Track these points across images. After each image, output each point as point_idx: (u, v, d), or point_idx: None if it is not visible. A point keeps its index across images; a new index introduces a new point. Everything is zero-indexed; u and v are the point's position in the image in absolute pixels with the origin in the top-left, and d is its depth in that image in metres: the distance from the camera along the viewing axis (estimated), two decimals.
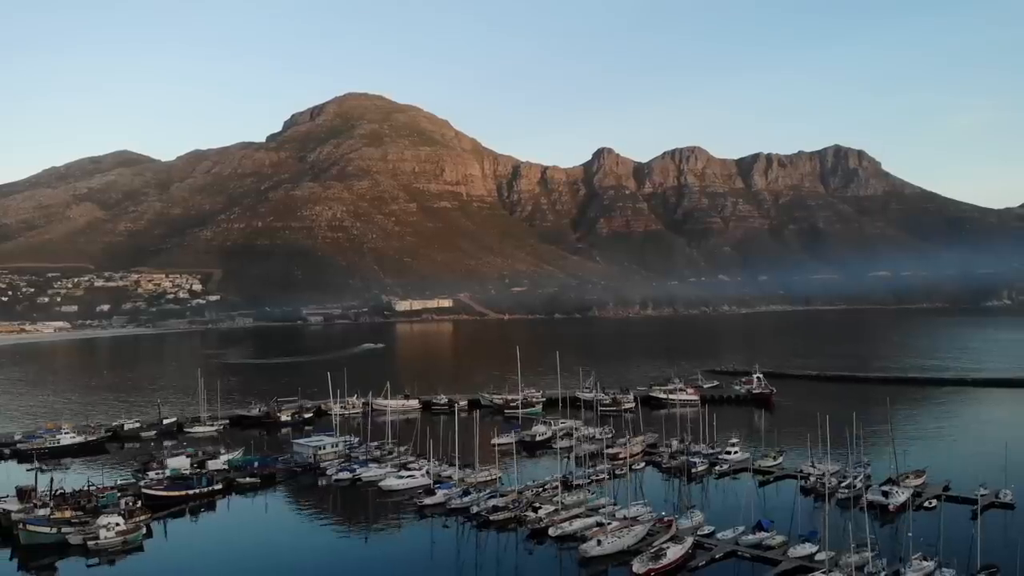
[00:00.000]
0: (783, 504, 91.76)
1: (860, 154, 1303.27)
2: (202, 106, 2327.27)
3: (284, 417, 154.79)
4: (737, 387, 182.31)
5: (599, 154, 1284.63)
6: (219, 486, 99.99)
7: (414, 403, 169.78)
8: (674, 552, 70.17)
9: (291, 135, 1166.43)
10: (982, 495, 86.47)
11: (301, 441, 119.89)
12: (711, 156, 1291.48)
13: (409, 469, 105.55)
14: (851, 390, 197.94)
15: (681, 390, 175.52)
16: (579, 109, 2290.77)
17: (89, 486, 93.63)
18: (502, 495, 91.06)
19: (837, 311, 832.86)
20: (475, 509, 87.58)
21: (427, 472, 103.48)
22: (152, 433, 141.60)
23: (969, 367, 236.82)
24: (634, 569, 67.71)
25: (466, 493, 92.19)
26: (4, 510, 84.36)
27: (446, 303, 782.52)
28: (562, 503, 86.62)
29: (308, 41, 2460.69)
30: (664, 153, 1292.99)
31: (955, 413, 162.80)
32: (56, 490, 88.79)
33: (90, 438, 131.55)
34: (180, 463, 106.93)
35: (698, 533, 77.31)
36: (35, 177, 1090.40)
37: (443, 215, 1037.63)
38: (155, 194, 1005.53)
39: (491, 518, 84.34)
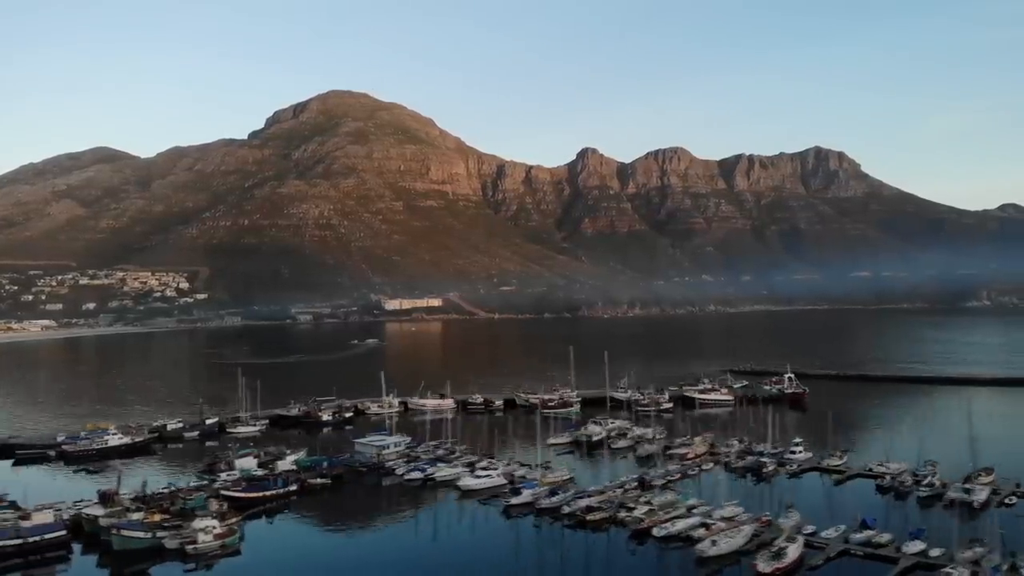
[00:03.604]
0: (864, 503, 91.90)
1: (840, 155, 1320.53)
2: (181, 103, 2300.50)
3: (325, 417, 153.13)
4: (767, 387, 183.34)
5: (583, 154, 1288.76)
6: (294, 487, 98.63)
7: (450, 402, 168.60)
8: (793, 551, 70.34)
9: (274, 132, 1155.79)
10: None
11: (363, 441, 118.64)
12: (694, 157, 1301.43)
13: (483, 469, 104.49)
14: (874, 389, 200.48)
15: (714, 390, 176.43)
16: (563, 109, 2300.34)
17: (167, 488, 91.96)
18: (590, 495, 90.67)
19: (820, 311, 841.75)
20: (567, 509, 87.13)
21: (501, 472, 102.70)
22: (195, 434, 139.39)
23: (980, 366, 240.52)
24: (759, 569, 67.77)
25: (553, 493, 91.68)
26: (88, 515, 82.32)
27: (435, 302, 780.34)
28: (656, 504, 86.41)
29: (289, 39, 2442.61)
30: (647, 153, 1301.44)
31: (990, 411, 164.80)
32: (143, 493, 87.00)
33: (136, 439, 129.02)
34: (248, 464, 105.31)
35: (803, 532, 77.50)
36: (12, 173, 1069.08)
37: (429, 214, 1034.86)
38: (136, 191, 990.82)
39: (587, 518, 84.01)
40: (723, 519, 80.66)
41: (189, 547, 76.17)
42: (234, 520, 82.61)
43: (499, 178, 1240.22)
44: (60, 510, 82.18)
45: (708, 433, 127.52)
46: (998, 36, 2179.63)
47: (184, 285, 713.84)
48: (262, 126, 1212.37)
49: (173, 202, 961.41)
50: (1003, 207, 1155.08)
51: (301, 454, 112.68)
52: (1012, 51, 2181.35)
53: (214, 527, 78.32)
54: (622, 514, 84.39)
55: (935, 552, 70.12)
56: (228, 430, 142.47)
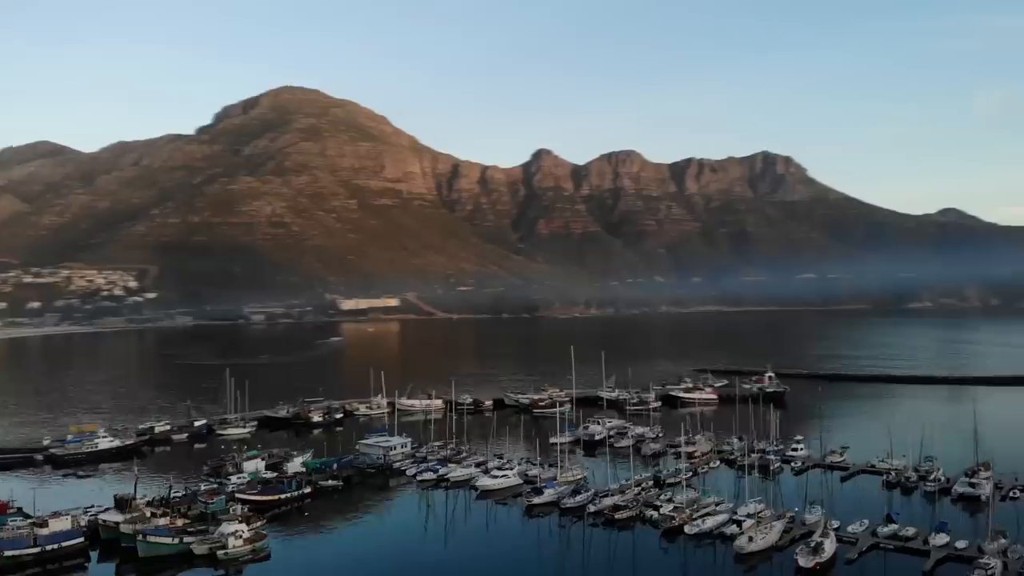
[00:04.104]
0: (873, 497, 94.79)
1: (787, 160, 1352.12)
2: (125, 96, 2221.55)
3: (316, 418, 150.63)
4: (747, 385, 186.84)
5: (538, 155, 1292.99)
6: (308, 489, 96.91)
7: (438, 403, 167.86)
8: (829, 546, 71.96)
9: (224, 128, 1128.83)
10: None
11: (369, 442, 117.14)
12: (645, 160, 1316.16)
13: (499, 469, 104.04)
14: (848, 387, 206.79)
15: (698, 389, 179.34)
16: (517, 109, 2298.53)
17: (174, 492, 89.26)
18: (611, 494, 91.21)
19: (768, 312, 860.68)
20: (592, 508, 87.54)
21: (517, 472, 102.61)
22: (184, 436, 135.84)
23: (931, 367, 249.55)
24: (800, 563, 69.21)
25: (576, 492, 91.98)
26: (106, 521, 79.52)
27: (392, 302, 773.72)
28: (680, 502, 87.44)
29: (238, 32, 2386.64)
30: (601, 156, 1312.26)
31: (969, 408, 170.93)
32: (167, 497, 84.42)
33: (127, 442, 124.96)
34: (256, 466, 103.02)
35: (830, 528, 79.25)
36: None
37: (384, 213, 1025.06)
38: (79, 186, 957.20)
39: (616, 516, 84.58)
40: (749, 516, 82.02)
41: (220, 552, 74.25)
42: (258, 524, 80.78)
43: (454, 178, 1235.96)
44: (76, 516, 79.10)
45: (707, 431, 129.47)
46: (937, 47, 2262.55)
47: (132, 284, 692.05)
48: (210, 121, 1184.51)
49: (119, 198, 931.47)
50: (944, 211, 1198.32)
51: (307, 456, 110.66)
52: (950, 61, 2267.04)
53: (243, 531, 76.50)
54: (649, 512, 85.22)
55: (960, 544, 72.60)
56: (218, 432, 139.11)
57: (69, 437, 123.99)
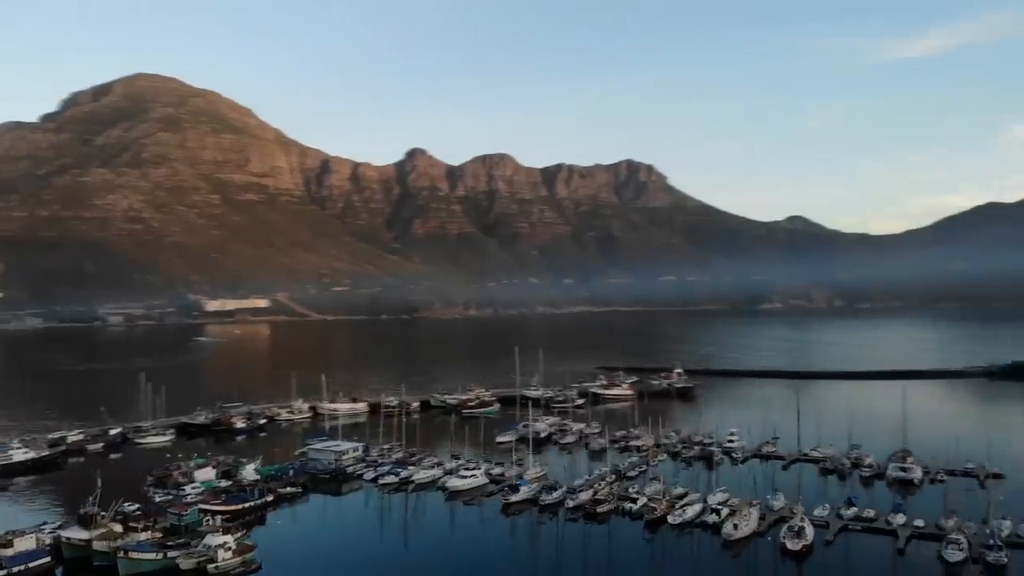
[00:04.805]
0: (816, 483, 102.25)
1: (650, 168, 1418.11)
2: None
3: (238, 424, 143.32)
4: (656, 382, 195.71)
5: (412, 154, 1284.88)
6: (270, 497, 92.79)
7: (362, 406, 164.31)
8: (809, 530, 77.32)
9: (72, 116, 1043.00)
10: (969, 468, 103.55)
11: (319, 447, 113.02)
12: (518, 164, 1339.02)
13: (467, 469, 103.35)
14: (743, 382, 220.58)
15: (616, 385, 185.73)
16: (391, 106, 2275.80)
17: (127, 506, 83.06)
18: (583, 489, 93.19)
19: (635, 312, 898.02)
20: (570, 503, 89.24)
21: (484, 472, 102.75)
22: (99, 446, 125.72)
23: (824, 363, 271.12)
24: (788, 547, 74.00)
25: (552, 488, 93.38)
26: (70, 539, 72.92)
27: (262, 303, 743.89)
28: (650, 493, 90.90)
29: (86, 16, 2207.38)
30: (475, 158, 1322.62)
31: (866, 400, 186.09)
32: (120, 511, 78.28)
33: (42, 453, 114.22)
34: (207, 475, 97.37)
35: (792, 511, 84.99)
36: None
37: (249, 209, 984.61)
38: None
39: (597, 510, 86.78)
40: (723, 504, 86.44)
41: (210, 567, 70.02)
42: (239, 535, 76.71)
43: (324, 174, 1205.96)
44: (40, 535, 72.08)
45: (642, 426, 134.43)
46: (780, 67, 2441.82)
47: None
48: (57, 108, 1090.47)
49: None
50: (791, 219, 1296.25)
51: (257, 463, 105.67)
52: (791, 82, 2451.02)
53: (231, 543, 72.52)
54: (627, 505, 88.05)
55: (919, 523, 80.00)
56: (137, 441, 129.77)
57: None
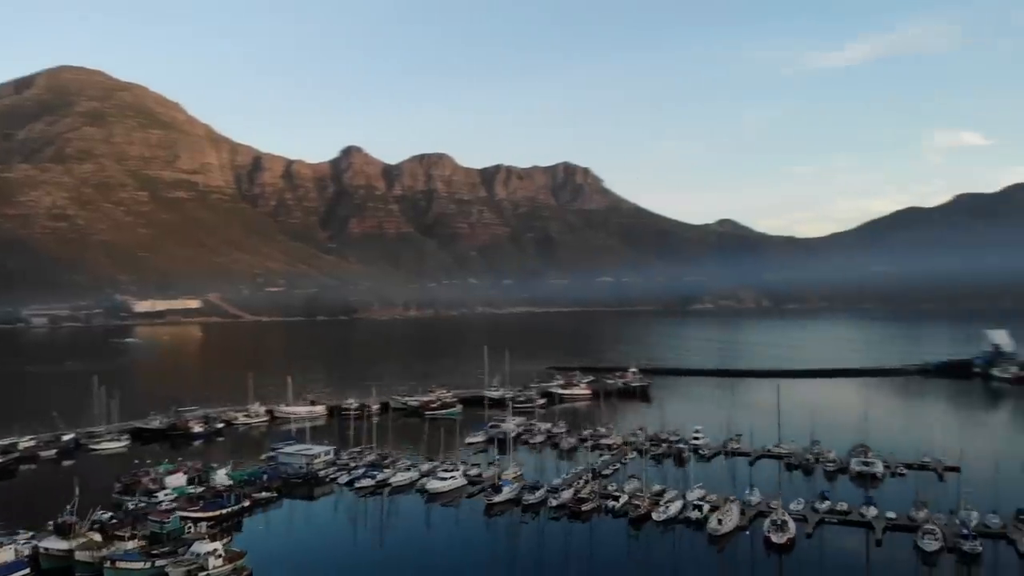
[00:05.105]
0: (784, 478, 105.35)
1: (586, 171, 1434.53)
2: None
3: (196, 428, 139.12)
4: (611, 381, 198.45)
5: (348, 152, 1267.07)
6: (247, 503, 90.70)
7: (320, 409, 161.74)
8: (791, 524, 79.93)
9: None
10: (925, 461, 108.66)
11: (289, 450, 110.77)
12: (457, 164, 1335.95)
13: (445, 471, 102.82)
14: (694, 381, 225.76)
15: (575, 385, 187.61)
16: (326, 103, 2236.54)
17: (100, 513, 79.98)
18: (564, 489, 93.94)
19: (573, 313, 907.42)
20: (553, 502, 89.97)
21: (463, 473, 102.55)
22: (52, 452, 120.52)
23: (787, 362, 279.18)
24: (774, 540, 76.41)
25: (535, 488, 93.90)
26: (48, 550, 69.85)
27: (193, 304, 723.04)
28: (629, 491, 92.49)
29: (5, 3, 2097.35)
30: (413, 157, 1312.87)
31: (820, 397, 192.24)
32: (97, 520, 75.33)
33: None
34: (178, 481, 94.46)
35: (770, 506, 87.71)
36: None
37: (179, 206, 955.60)
38: None
39: (582, 509, 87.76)
40: (703, 500, 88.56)
41: (201, 575, 68.04)
42: (226, 540, 74.83)
43: (256, 171, 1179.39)
44: (19, 546, 68.82)
45: (609, 425, 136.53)
46: (712, 74, 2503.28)
47: None
48: None
49: None
50: (721, 222, 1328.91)
51: (227, 468, 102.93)
52: (722, 89, 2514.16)
53: (220, 550, 70.66)
54: (610, 503, 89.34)
55: (891, 515, 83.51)
56: (91, 447, 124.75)
57: None
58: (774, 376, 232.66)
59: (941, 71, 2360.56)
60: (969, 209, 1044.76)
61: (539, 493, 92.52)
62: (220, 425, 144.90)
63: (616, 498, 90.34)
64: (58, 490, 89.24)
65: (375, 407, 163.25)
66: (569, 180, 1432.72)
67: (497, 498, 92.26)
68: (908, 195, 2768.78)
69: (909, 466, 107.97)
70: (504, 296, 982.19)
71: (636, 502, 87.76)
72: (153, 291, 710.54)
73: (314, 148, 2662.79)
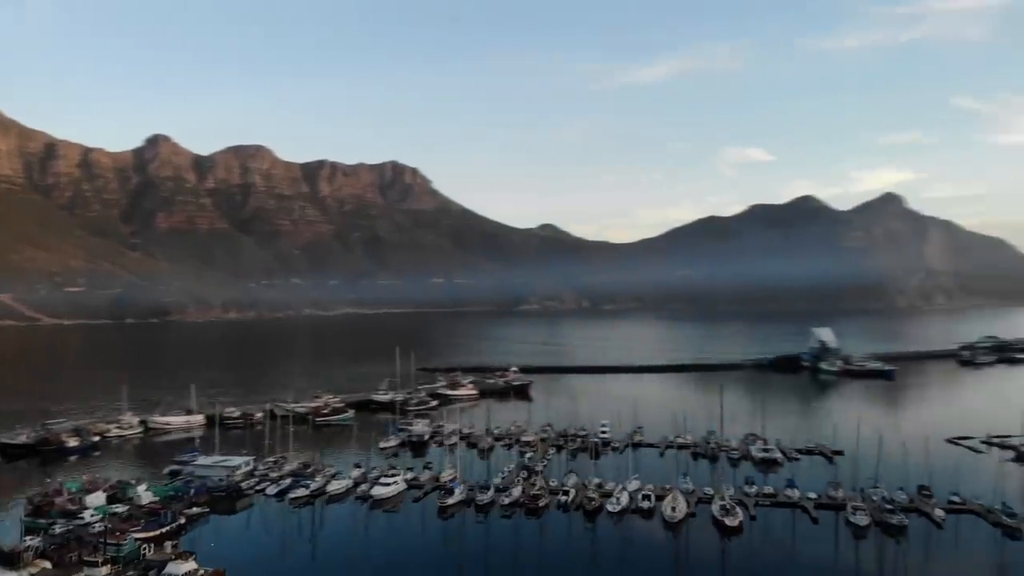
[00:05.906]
0: (696, 465, 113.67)
1: (415, 171, 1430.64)
2: None
3: (70, 443, 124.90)
4: (492, 381, 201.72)
5: (154, 141, 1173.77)
6: (183, 520, 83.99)
7: (199, 418, 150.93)
8: (738, 508, 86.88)
9: None
10: (812, 447, 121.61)
11: (207, 463, 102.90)
12: (276, 158, 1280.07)
13: (387, 477, 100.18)
14: (566, 379, 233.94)
15: (462, 386, 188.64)
16: (129, 87, 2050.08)
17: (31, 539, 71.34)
18: (513, 486, 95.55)
19: (405, 314, 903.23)
20: (505, 501, 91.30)
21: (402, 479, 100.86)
22: None
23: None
24: (727, 523, 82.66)
25: (484, 488, 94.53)
26: None
27: None
28: (572, 485, 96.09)
29: None
30: (228, 148, 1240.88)
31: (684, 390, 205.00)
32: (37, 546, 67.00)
33: None
34: (99, 500, 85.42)
35: (704, 493, 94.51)
36: None
37: None
38: None
39: (539, 505, 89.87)
40: (644, 491, 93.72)
41: None
42: (191, 558, 69.26)
43: (49, 159, 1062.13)
44: None
45: (516, 424, 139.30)
46: (532, 84, 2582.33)
47: None
48: None
49: None
50: (543, 226, 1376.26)
51: (145, 484, 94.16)
52: (541, 100, 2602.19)
53: (198, 569, 65.60)
54: (561, 498, 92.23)
55: (811, 494, 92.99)
56: None
57: None
58: (636, 372, 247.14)
59: (733, 91, 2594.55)
60: (762, 219, 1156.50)
61: (490, 493, 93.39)
62: (96, 439, 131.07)
63: (567, 493, 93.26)
64: None
65: (258, 415, 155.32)
66: (397, 179, 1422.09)
67: (450, 500, 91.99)
68: (706, 205, 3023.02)
69: (800, 451, 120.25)
70: (331, 297, 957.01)
71: (590, 495, 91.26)
72: None
73: (116, 136, 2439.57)
